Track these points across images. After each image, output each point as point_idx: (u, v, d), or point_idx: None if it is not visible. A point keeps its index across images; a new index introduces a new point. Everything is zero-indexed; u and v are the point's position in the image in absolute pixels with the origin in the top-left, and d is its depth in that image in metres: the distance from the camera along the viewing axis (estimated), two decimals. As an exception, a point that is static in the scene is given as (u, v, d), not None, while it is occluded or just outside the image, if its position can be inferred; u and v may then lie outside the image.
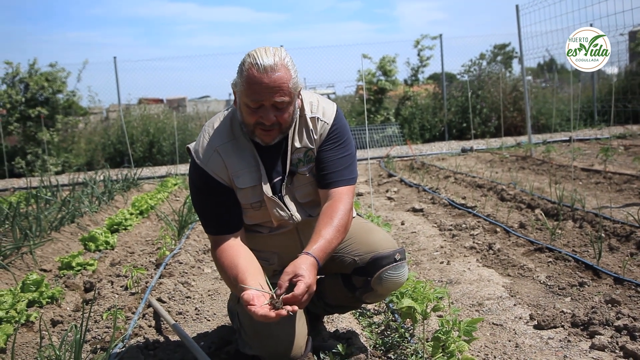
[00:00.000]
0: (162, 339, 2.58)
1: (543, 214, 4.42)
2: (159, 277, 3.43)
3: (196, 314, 2.93)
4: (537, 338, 2.33)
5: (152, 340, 2.54)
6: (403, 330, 2.38)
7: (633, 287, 2.76)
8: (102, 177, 7.39)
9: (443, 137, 13.43)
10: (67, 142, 12.92)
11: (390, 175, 7.87)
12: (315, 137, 2.03)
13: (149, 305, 2.93)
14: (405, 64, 14.19)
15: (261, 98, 1.84)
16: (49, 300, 3.05)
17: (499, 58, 16.29)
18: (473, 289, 3.00)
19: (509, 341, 2.33)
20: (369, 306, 2.79)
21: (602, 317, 2.38)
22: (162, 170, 10.85)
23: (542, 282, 3.01)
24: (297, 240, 2.12)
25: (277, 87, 1.83)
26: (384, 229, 2.40)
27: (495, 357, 2.20)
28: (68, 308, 3.10)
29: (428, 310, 2.17)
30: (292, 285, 1.73)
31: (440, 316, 2.57)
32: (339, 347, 2.17)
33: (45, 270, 3.74)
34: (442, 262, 3.53)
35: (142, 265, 3.84)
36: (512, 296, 2.84)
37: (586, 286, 2.86)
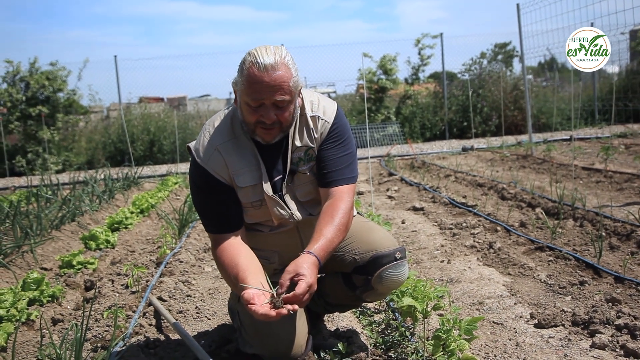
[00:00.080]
0: (162, 337, 2.58)
1: (544, 213, 4.42)
2: (160, 276, 3.43)
3: (197, 313, 2.93)
4: (537, 337, 2.33)
5: (152, 338, 2.54)
6: (403, 329, 2.38)
7: (633, 286, 2.76)
8: (102, 176, 7.40)
9: (444, 136, 13.43)
10: (67, 141, 12.92)
11: (390, 174, 7.87)
12: (316, 135, 2.03)
13: (150, 304, 2.93)
14: (406, 63, 14.19)
15: (262, 97, 1.84)
16: (50, 298, 3.06)
17: (499, 57, 16.32)
18: (473, 287, 3.00)
19: (510, 340, 2.33)
20: (370, 305, 2.79)
21: (603, 316, 2.38)
22: (162, 169, 10.85)
23: (542, 281, 3.00)
24: (298, 239, 2.12)
25: (278, 86, 1.82)
26: (384, 228, 2.40)
27: (495, 356, 2.20)
28: (69, 307, 3.10)
29: (428, 309, 2.17)
30: (293, 284, 1.73)
31: (440, 315, 2.57)
32: (340, 345, 2.17)
33: (45, 269, 3.74)
34: (442, 261, 3.53)
35: (142, 263, 3.84)
36: (512, 295, 2.84)
37: (587, 285, 2.86)
